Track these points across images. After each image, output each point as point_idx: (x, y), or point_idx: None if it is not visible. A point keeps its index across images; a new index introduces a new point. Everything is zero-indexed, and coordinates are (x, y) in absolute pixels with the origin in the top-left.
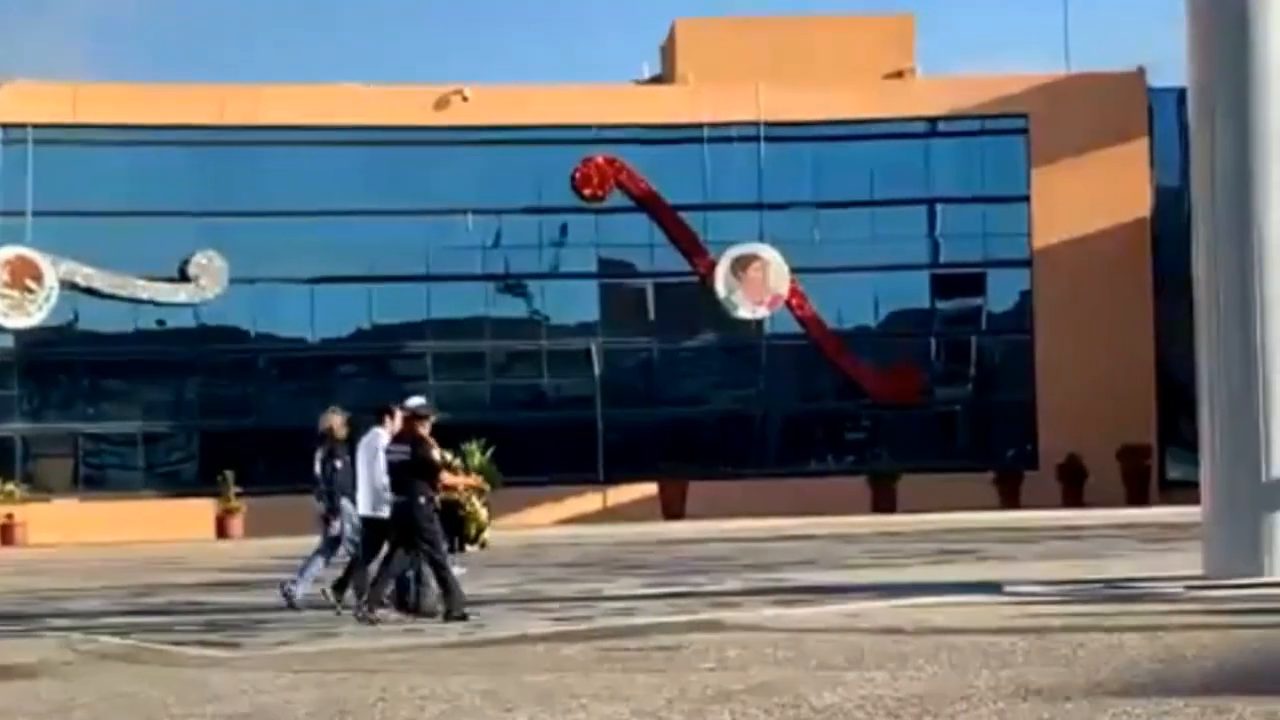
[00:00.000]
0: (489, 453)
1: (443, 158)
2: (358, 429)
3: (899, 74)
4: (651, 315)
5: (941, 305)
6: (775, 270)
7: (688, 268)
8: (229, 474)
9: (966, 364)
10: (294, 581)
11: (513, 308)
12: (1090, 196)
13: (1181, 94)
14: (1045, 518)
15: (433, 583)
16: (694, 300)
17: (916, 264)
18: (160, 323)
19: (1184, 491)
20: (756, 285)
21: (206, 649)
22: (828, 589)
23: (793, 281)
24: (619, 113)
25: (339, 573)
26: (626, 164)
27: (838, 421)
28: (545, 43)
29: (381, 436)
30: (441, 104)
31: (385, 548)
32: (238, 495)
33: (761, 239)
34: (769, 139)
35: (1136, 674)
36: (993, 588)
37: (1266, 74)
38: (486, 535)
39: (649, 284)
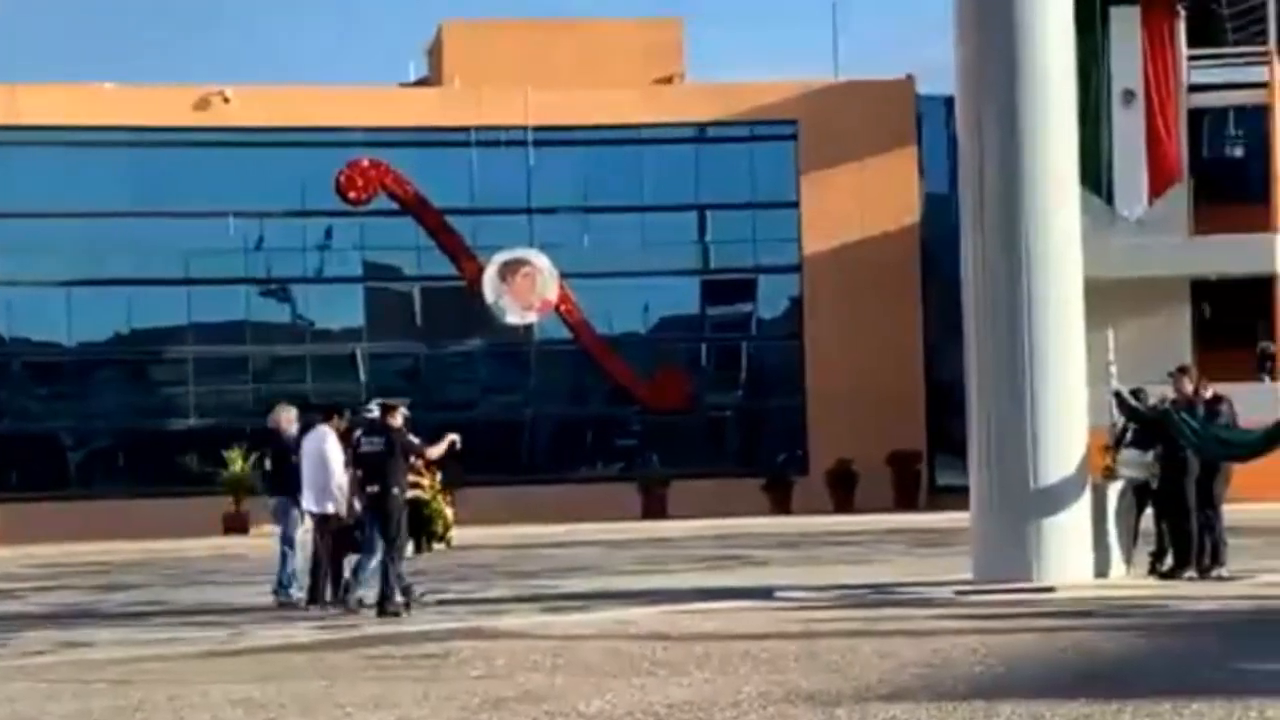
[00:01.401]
0: (251, 459)
1: (204, 159)
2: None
3: (668, 79)
4: (418, 320)
5: (712, 311)
6: (544, 275)
7: (455, 272)
8: None
9: (737, 370)
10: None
11: (276, 312)
12: (859, 203)
13: (950, 102)
14: (816, 523)
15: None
16: (461, 305)
17: (687, 269)
18: None
19: (953, 497)
20: (525, 290)
21: None
22: (597, 595)
23: (562, 287)
24: (385, 115)
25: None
26: (392, 167)
27: (607, 427)
28: (309, 43)
29: (329, 435)
30: (202, 105)
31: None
32: None
33: (530, 244)
34: (538, 143)
35: (906, 678)
36: (763, 593)
37: (1034, 83)
38: (453, 534)
39: (415, 288)
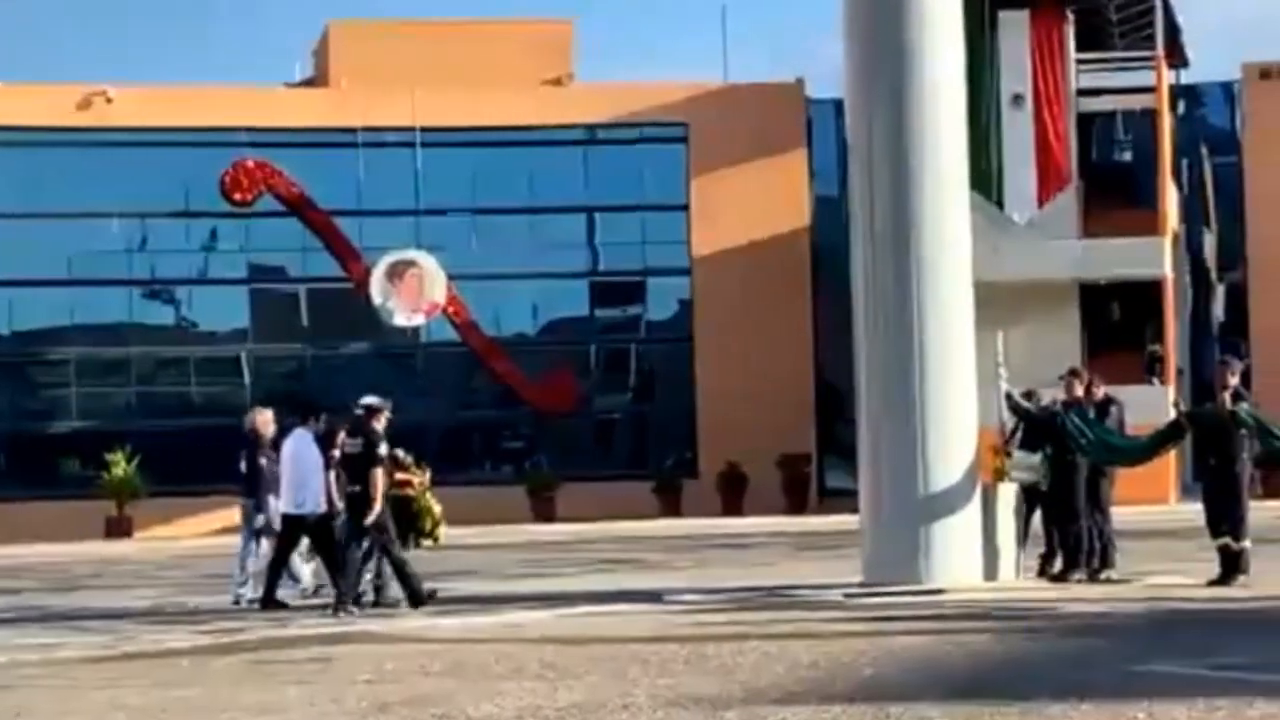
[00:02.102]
0: (134, 462)
1: (86, 160)
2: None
3: (557, 80)
4: (304, 322)
5: (601, 313)
6: (432, 277)
7: (342, 274)
8: None
9: (626, 372)
10: (240, 585)
11: (160, 314)
12: (749, 206)
13: (840, 105)
14: (706, 526)
15: (389, 570)
16: (348, 307)
17: (576, 272)
18: None
19: (843, 499)
20: (413, 292)
21: None
22: (486, 599)
23: (450, 288)
24: (271, 115)
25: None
26: (278, 168)
27: (496, 430)
28: (193, 43)
29: (306, 437)
30: (84, 105)
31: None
32: None
33: (418, 245)
34: (425, 144)
35: (796, 681)
36: (653, 596)
37: (923, 87)
38: (441, 530)
39: (301, 290)
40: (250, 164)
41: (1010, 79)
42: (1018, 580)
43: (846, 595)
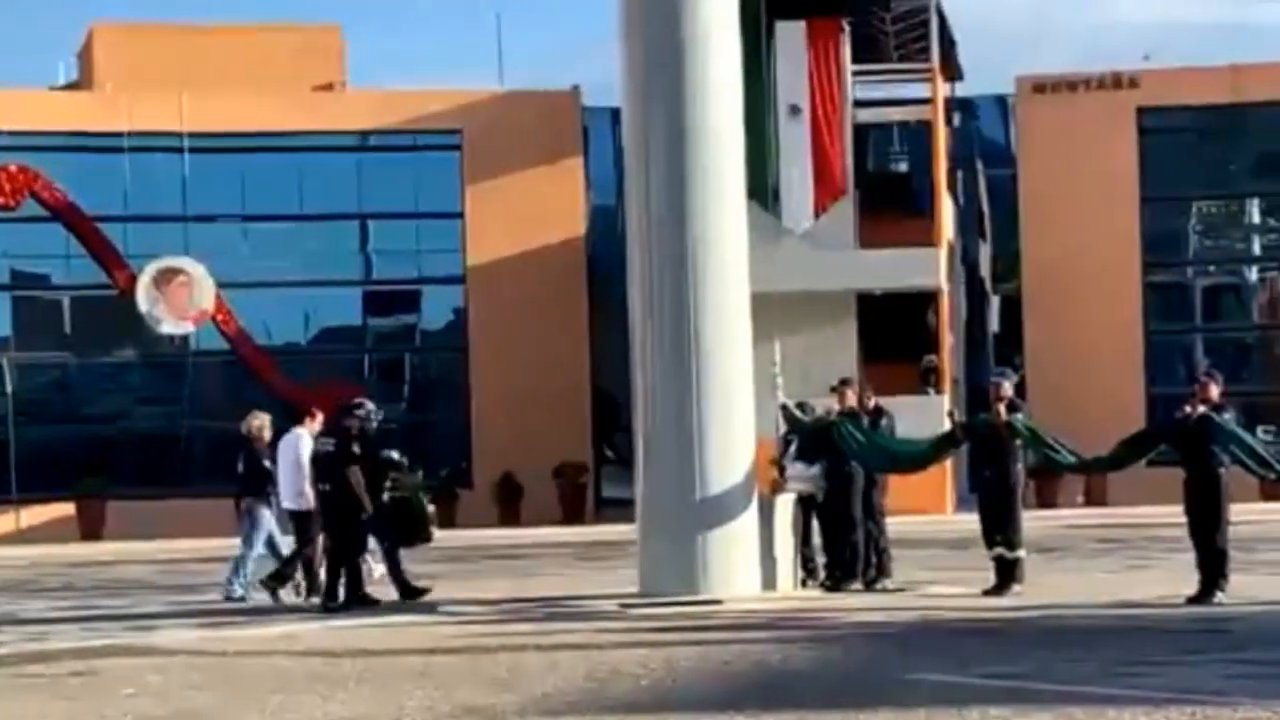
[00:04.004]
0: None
1: None
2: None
3: (329, 86)
4: (68, 329)
5: (374, 322)
6: (200, 285)
7: (107, 281)
8: None
9: (400, 382)
10: (230, 582)
11: None
12: (525, 214)
13: (616, 114)
14: (481, 536)
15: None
16: (114, 314)
17: (348, 280)
18: None
19: (620, 509)
20: (180, 300)
21: None
22: (256, 611)
23: (219, 296)
24: (33, 119)
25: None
26: (41, 172)
27: None
28: None
29: (303, 437)
30: None
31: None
32: None
33: (186, 252)
34: (194, 149)
35: (572, 692)
36: (427, 608)
37: (700, 97)
38: (433, 529)
39: (65, 297)
40: (13, 168)
41: (787, 89)
42: (795, 590)
43: (623, 606)
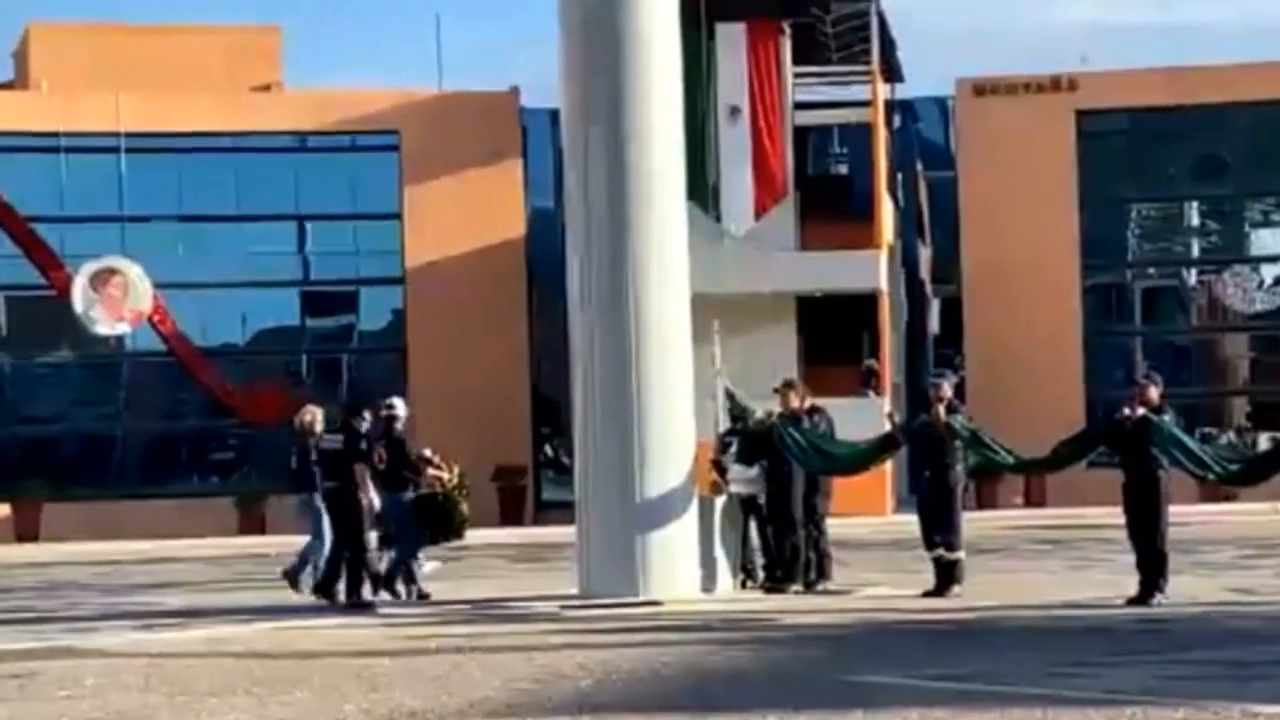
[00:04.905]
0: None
1: None
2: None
3: (266, 87)
4: (3, 330)
5: (312, 323)
6: (136, 285)
7: (43, 281)
8: None
9: (338, 382)
10: (296, 570)
11: None
12: (463, 216)
13: (555, 115)
14: None
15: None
16: (50, 315)
17: (286, 281)
18: None
19: (559, 512)
20: (116, 301)
21: None
22: (193, 613)
23: (155, 297)
24: None
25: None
26: None
27: (203, 441)
28: None
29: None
30: None
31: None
32: None
33: (123, 253)
34: (130, 150)
35: (513, 694)
36: (365, 609)
37: (640, 98)
38: (465, 528)
39: (0, 298)
40: None
41: (727, 91)
42: (735, 592)
43: (563, 608)
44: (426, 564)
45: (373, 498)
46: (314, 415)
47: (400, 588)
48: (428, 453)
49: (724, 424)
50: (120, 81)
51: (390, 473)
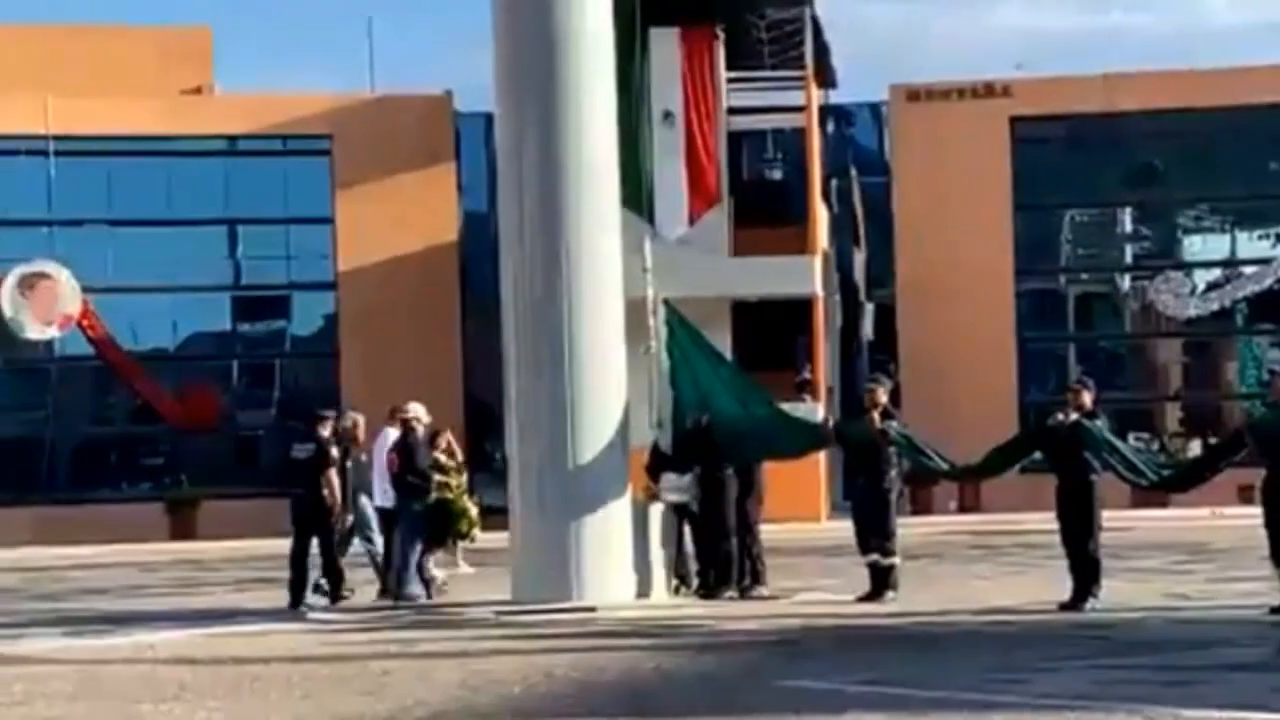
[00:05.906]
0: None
1: None
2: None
3: (197, 89)
4: None
5: (243, 328)
6: (65, 289)
7: None
8: None
9: (270, 387)
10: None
11: None
12: (396, 219)
13: (489, 119)
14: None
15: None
16: None
17: (217, 285)
18: None
19: (493, 517)
20: (45, 305)
21: None
22: (123, 618)
23: (85, 301)
24: None
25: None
26: None
27: (134, 446)
28: None
29: (390, 435)
30: None
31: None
32: None
33: (51, 256)
34: (59, 153)
35: (444, 700)
36: (296, 615)
37: (573, 103)
38: (476, 531)
39: None
40: None
41: (660, 96)
42: (669, 598)
43: (497, 613)
44: (463, 565)
45: (338, 501)
46: (356, 420)
47: (418, 589)
48: (440, 457)
49: (663, 407)
50: (49, 83)
51: (399, 479)
